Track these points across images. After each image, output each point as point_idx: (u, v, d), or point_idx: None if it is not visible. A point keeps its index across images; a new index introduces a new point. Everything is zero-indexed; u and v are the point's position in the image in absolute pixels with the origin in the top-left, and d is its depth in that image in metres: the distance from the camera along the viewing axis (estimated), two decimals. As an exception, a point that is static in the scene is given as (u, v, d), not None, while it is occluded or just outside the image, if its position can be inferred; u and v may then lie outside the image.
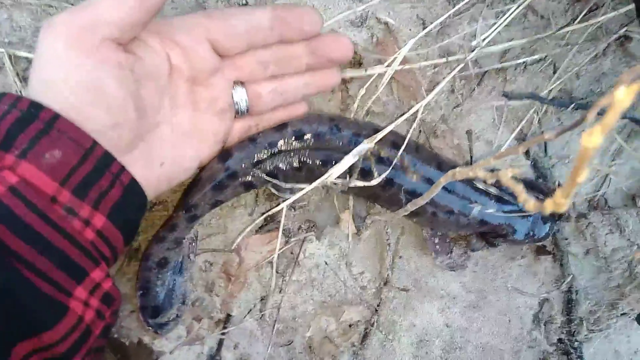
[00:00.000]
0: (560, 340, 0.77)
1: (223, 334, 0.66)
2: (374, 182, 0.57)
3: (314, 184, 0.57)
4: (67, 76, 0.40)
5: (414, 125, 0.62)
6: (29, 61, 0.58)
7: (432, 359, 0.74)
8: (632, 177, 0.75)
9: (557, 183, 0.71)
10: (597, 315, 0.77)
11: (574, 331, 0.76)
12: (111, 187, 0.42)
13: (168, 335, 0.64)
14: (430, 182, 0.61)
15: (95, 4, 0.40)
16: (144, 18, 0.42)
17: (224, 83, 0.52)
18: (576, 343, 0.76)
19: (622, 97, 0.20)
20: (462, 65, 0.63)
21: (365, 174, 0.58)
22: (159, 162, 0.49)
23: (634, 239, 0.74)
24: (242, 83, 0.53)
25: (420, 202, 0.53)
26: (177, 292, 0.62)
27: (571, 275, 0.74)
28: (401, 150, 0.58)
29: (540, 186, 0.70)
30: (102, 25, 0.40)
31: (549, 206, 0.26)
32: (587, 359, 0.78)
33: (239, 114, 0.55)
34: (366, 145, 0.56)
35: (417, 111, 0.63)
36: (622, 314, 0.77)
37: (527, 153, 0.73)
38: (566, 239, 0.74)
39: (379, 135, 0.57)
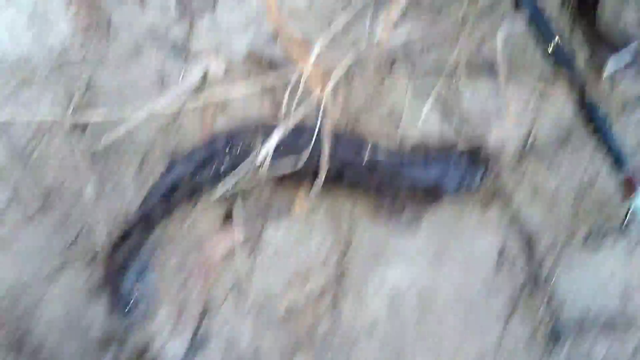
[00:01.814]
0: (525, 278, 0.81)
1: (201, 324, 0.74)
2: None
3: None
4: None
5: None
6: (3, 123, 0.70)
7: (406, 317, 0.79)
8: (559, 119, 0.81)
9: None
10: (557, 249, 0.81)
11: (538, 268, 0.80)
12: None
13: (156, 328, 0.73)
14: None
15: None
16: None
17: None
18: (542, 278, 0.80)
19: None
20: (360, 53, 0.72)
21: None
22: None
23: (572, 171, 0.79)
24: None
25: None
26: (143, 290, 0.71)
27: (520, 216, 0.79)
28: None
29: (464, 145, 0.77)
30: None
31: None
32: (560, 293, 0.81)
33: None
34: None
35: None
36: (583, 243, 0.81)
37: (448, 119, 0.79)
38: (506, 186, 0.79)
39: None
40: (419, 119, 0.78)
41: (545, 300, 0.80)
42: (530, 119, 0.80)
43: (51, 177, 0.71)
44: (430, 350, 0.79)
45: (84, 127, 0.70)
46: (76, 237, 0.72)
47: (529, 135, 0.80)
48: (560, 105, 0.80)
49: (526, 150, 0.80)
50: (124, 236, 0.68)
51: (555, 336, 0.80)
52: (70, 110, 0.67)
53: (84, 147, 0.70)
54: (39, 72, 0.68)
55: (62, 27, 0.70)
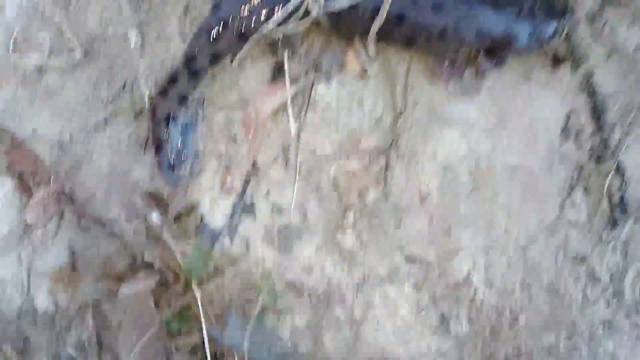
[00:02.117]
0: (593, 148, 0.75)
1: (249, 181, 0.72)
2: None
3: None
4: None
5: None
6: None
7: (460, 184, 0.75)
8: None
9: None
10: (629, 119, 0.75)
11: (607, 137, 0.74)
12: None
13: (203, 186, 0.71)
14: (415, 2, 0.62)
15: None
16: None
17: None
18: (611, 149, 0.74)
19: None
20: None
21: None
22: None
23: (657, 28, 0.71)
24: None
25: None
26: (189, 149, 0.69)
27: (592, 78, 0.72)
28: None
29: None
30: None
31: None
32: (630, 167, 0.76)
33: None
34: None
35: None
36: (659, 113, 0.74)
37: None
38: (581, 42, 0.72)
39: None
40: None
41: (612, 173, 0.75)
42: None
43: (94, 22, 0.67)
44: (484, 222, 0.76)
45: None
46: (122, 87, 0.69)
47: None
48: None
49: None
50: (169, 83, 0.65)
51: (619, 212, 0.75)
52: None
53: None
54: None
55: None
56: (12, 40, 0.66)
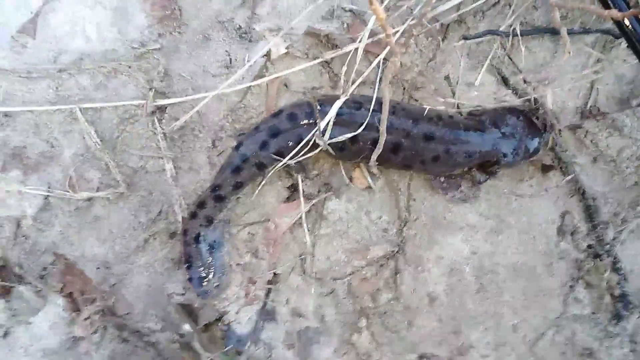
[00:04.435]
0: (590, 246, 0.80)
1: (270, 290, 0.80)
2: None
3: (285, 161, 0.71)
4: None
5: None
6: (94, 110, 0.79)
7: (466, 285, 0.81)
8: (618, 83, 0.80)
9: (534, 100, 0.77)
10: (621, 216, 0.80)
11: (601, 235, 0.79)
12: None
13: (229, 297, 0.79)
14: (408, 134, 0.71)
15: None
16: None
17: None
18: (607, 246, 0.79)
19: None
20: (414, 20, 0.74)
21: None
22: None
23: (635, 135, 0.78)
24: None
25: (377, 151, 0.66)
26: (216, 264, 0.77)
27: (580, 181, 0.79)
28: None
29: (521, 108, 0.77)
30: None
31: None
32: (627, 262, 0.80)
33: None
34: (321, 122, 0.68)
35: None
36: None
37: (506, 82, 0.80)
38: (566, 151, 0.79)
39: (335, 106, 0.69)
40: (474, 84, 0.80)
41: (610, 269, 0.79)
42: (589, 80, 0.80)
43: (136, 158, 0.79)
44: (491, 320, 0.80)
45: (162, 111, 0.77)
46: (159, 213, 0.79)
47: (588, 97, 0.80)
48: (620, 64, 0.79)
49: (586, 112, 0.79)
50: (199, 207, 0.74)
51: (622, 307, 0.79)
52: (151, 95, 0.75)
53: (163, 129, 0.77)
54: (123, 63, 0.77)
55: (141, 19, 0.78)
56: (67, 179, 0.77)
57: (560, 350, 0.80)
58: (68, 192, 0.77)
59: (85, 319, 0.77)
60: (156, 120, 0.76)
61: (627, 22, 0.65)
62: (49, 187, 0.78)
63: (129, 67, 0.76)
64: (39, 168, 0.78)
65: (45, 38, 0.78)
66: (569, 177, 0.79)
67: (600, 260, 0.79)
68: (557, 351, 0.80)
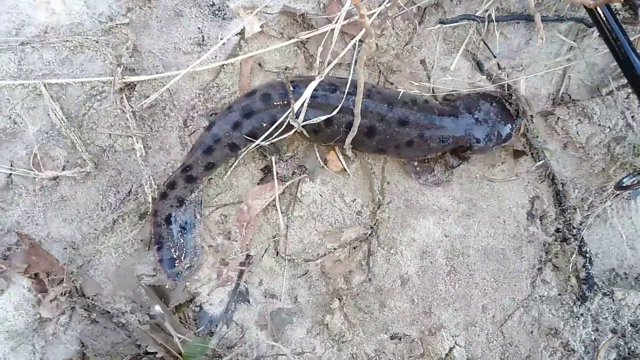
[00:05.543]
0: (557, 230, 0.82)
1: (243, 272, 0.79)
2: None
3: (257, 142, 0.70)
4: None
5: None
6: (60, 86, 0.75)
7: (438, 267, 0.82)
8: (590, 71, 0.81)
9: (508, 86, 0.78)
10: (589, 202, 0.82)
11: (569, 219, 0.81)
12: None
13: (201, 279, 0.78)
14: (383, 118, 0.71)
15: None
16: None
17: None
18: (574, 230, 0.81)
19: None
20: (390, 2, 0.73)
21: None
22: None
23: (604, 122, 0.79)
24: None
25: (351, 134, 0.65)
26: (188, 246, 0.76)
27: (550, 167, 0.80)
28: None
29: (495, 95, 0.78)
30: None
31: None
32: (593, 246, 0.82)
33: None
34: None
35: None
36: (614, 196, 0.81)
37: (480, 68, 0.80)
38: (537, 137, 0.80)
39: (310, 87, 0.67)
40: (449, 69, 0.80)
41: (577, 252, 0.81)
42: (562, 67, 0.80)
43: (104, 136, 0.76)
44: (462, 301, 0.82)
45: (131, 88, 0.75)
46: (128, 193, 0.77)
47: (560, 84, 0.81)
48: (592, 53, 0.80)
49: (558, 99, 0.80)
50: (169, 187, 0.73)
51: (587, 288, 0.81)
52: (119, 72, 0.72)
53: (132, 107, 0.74)
54: (90, 37, 0.73)
55: (109, -7, 0.75)
56: (31, 157, 0.74)
57: (527, 330, 0.82)
58: (32, 170, 0.74)
59: (52, 300, 0.76)
60: (125, 98, 0.73)
61: (599, 10, 0.66)
62: (11, 165, 0.75)
63: (96, 42, 0.73)
64: (0, 145, 0.75)
65: (6, 9, 0.74)
66: (540, 162, 0.80)
67: (568, 243, 0.81)
68: (524, 331, 0.82)
